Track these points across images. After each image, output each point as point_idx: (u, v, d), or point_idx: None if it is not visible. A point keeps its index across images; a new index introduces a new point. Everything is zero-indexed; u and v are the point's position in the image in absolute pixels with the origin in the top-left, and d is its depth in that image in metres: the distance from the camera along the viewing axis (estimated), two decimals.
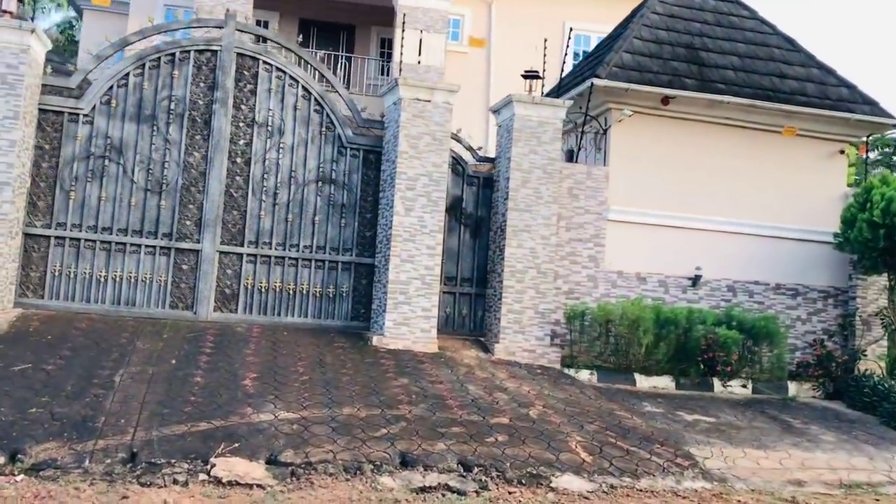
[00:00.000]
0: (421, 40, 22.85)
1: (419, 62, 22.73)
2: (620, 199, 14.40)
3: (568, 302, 13.92)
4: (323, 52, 23.84)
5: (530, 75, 14.05)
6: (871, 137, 15.94)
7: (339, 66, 23.30)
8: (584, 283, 14.30)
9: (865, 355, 14.63)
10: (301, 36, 26.09)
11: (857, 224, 13.65)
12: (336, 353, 12.10)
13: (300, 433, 8.98)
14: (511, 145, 13.66)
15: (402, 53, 17.92)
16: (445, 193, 13.72)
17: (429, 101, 13.27)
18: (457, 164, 14.21)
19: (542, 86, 14.65)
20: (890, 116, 15.34)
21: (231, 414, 9.30)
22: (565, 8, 24.81)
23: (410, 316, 12.95)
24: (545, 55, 14.29)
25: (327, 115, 13.72)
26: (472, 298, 14.16)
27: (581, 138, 14.64)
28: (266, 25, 25.70)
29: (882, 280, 14.68)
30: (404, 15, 22.41)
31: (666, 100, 14.36)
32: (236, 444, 8.52)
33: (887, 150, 27.43)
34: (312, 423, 9.29)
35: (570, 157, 15.69)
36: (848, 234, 13.95)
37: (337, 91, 13.93)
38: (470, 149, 14.44)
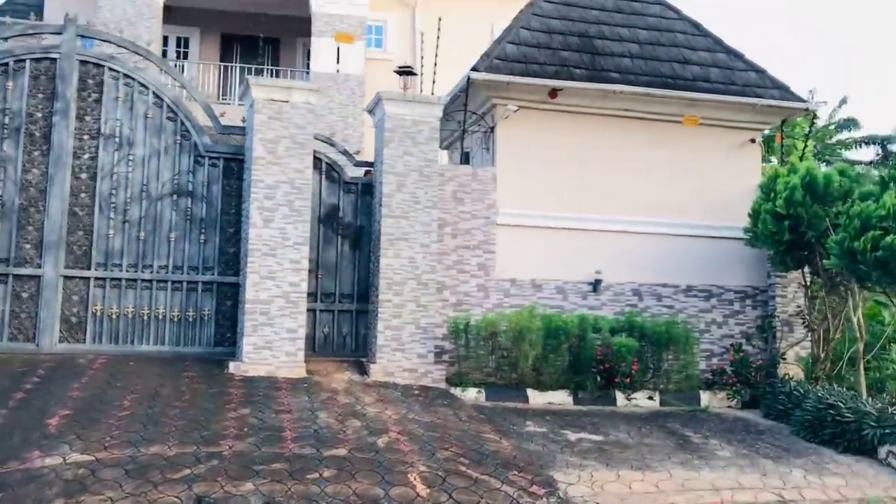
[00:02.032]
0: (339, 48, 21.93)
1: (338, 70, 21.79)
2: (511, 201, 13.28)
3: (456, 315, 12.75)
4: (248, 65, 22.84)
5: (404, 71, 12.98)
6: (784, 124, 14.85)
7: None
8: (473, 294, 13.14)
9: (785, 358, 13.50)
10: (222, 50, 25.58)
11: (760, 216, 12.56)
12: (181, 383, 10.88)
13: (84, 479, 7.76)
14: (384, 147, 12.56)
15: (305, 63, 16.80)
16: (317, 202, 12.69)
17: (286, 101, 12.15)
18: (332, 170, 13.09)
19: (430, 82, 13.58)
20: (800, 100, 14.29)
21: (12, 459, 8.08)
22: (492, 9, 23.83)
23: (273, 339, 11.76)
24: (422, 54, 13.24)
25: (182, 122, 12.59)
26: (353, 316, 12.98)
27: (464, 137, 13.54)
28: (186, 42, 24.77)
29: (801, 277, 13.56)
30: (322, 23, 21.60)
31: (554, 92, 13.28)
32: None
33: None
34: (106, 465, 8.07)
35: (467, 159, 14.60)
36: (756, 229, 12.86)
37: (194, 97, 12.83)
38: (346, 153, 13.35)
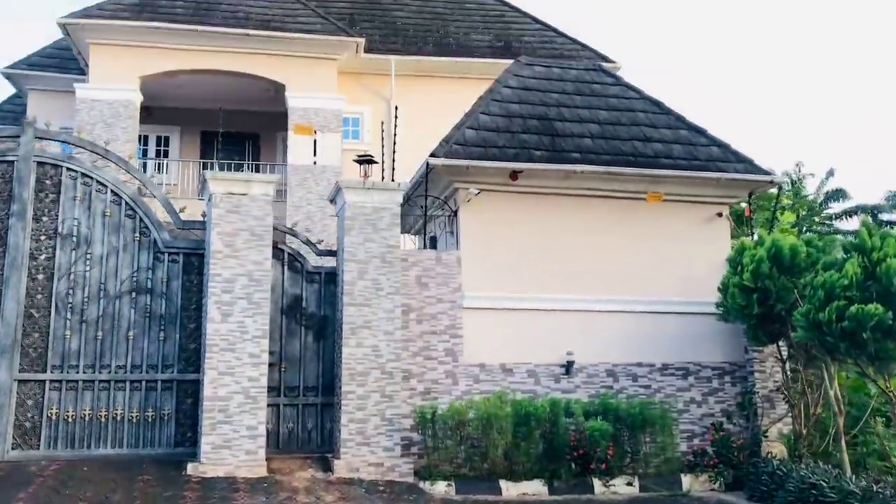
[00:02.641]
0: (315, 140, 22.11)
1: (314, 162, 21.92)
2: (477, 284, 13.08)
3: (423, 404, 12.38)
4: (228, 161, 23.03)
5: (364, 160, 12.98)
6: (752, 197, 14.76)
7: None
8: (441, 381, 12.80)
9: (766, 436, 13.06)
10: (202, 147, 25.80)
11: (729, 290, 12.33)
12: (134, 488, 10.46)
13: None
14: (345, 235, 12.44)
15: (284, 157, 16.85)
16: (280, 292, 12.53)
17: (245, 194, 12.11)
18: (294, 259, 12.94)
19: (388, 169, 13.55)
20: (765, 172, 14.25)
21: None
22: (467, 97, 24.14)
23: (232, 437, 11.40)
24: (382, 139, 13.28)
25: (141, 219, 12.52)
26: (318, 409, 12.61)
27: (426, 222, 13.45)
28: (167, 141, 25.04)
29: (777, 351, 13.23)
30: (298, 116, 21.84)
31: (515, 175, 13.25)
32: None
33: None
34: None
35: (434, 244, 14.46)
36: (727, 303, 12.62)
37: (153, 194, 12.79)
38: (308, 243, 13.23)
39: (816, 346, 10.83)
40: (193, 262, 12.59)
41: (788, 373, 12.92)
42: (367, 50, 22.87)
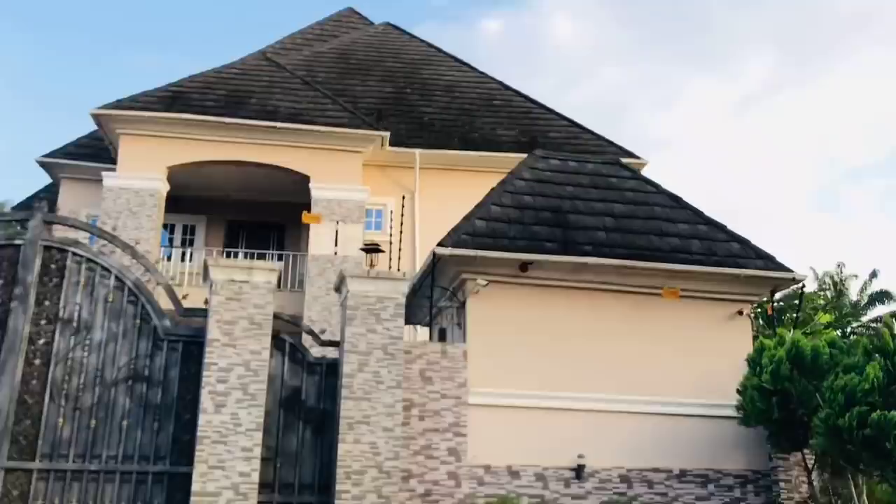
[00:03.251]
0: (337, 231, 22.10)
1: (335, 252, 21.85)
2: (483, 379, 12.60)
3: None
4: (252, 251, 23.15)
5: (370, 248, 12.79)
6: (776, 295, 14.20)
7: None
8: (443, 483, 12.18)
9: None
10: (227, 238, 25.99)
11: (748, 392, 11.68)
12: None
13: None
14: (346, 325, 12.13)
15: (305, 247, 16.77)
16: (280, 384, 12.17)
17: (246, 281, 11.93)
18: (295, 350, 12.61)
19: (396, 258, 13.33)
20: (786, 270, 13.73)
21: None
22: (487, 188, 24.16)
23: None
24: (391, 226, 13.08)
25: (142, 305, 12.37)
26: None
27: (433, 314, 13.11)
28: (193, 230, 25.26)
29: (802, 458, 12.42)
30: (321, 207, 21.90)
31: (524, 266, 12.93)
32: None
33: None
34: None
35: (443, 336, 14.07)
36: (747, 406, 11.94)
37: (156, 280, 12.68)
38: (311, 333, 12.95)
39: (835, 454, 10.08)
40: (193, 350, 12.33)
41: (815, 484, 12.07)
42: (393, 143, 23.08)
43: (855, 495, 10.79)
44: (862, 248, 51.70)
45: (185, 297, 13.39)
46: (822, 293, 27.14)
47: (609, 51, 67.15)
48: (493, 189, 14.62)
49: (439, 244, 12.81)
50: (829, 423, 9.64)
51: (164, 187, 21.16)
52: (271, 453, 12.03)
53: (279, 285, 12.78)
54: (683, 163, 53.47)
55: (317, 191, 21.72)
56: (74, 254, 12.41)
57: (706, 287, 13.55)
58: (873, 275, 27.56)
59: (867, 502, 10.77)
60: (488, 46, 67.37)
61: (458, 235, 12.94)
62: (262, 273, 12.03)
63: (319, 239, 21.73)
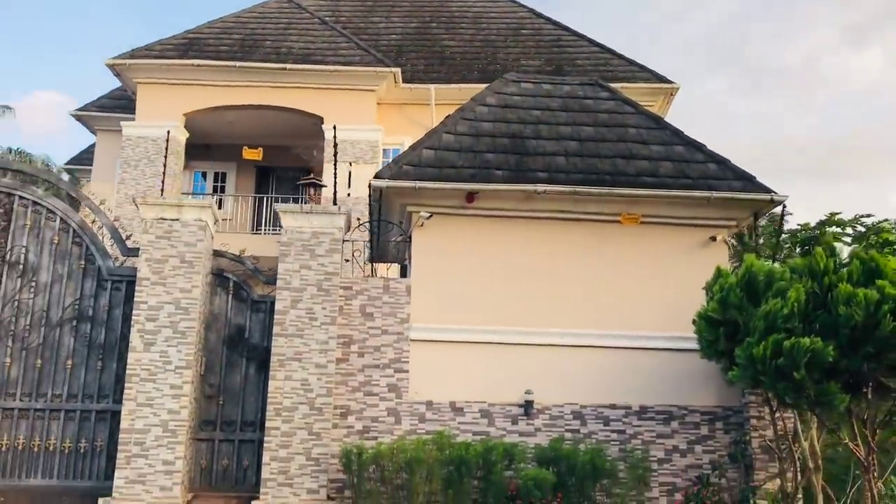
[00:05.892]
0: (350, 172, 21.83)
1: (349, 194, 21.61)
2: (427, 314, 12.10)
3: (353, 443, 11.44)
4: (281, 195, 23.27)
5: (308, 182, 12.41)
6: (759, 219, 12.99)
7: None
8: (383, 419, 11.84)
9: (756, 493, 11.21)
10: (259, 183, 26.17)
11: (699, 323, 10.73)
12: None
13: None
14: (280, 261, 11.86)
15: (306, 192, 16.61)
16: (224, 322, 12.11)
17: (177, 219, 11.79)
18: (240, 288, 12.48)
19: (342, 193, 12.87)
20: (765, 190, 12.47)
21: None
22: None
23: (147, 472, 10.94)
24: (335, 164, 12.66)
25: (87, 246, 12.45)
26: (256, 446, 11.94)
27: (374, 248, 12.64)
28: (224, 178, 25.56)
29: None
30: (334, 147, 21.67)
31: (471, 196, 12.24)
32: None
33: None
34: None
35: (404, 273, 13.63)
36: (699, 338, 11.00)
37: (99, 220, 12.72)
38: (256, 270, 12.73)
39: (754, 387, 9.12)
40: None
41: (777, 421, 11.05)
42: (409, 80, 22.47)
43: (800, 430, 9.79)
44: None
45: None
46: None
47: None
48: (448, 116, 13.87)
49: (376, 176, 12.28)
50: (748, 352, 8.69)
51: (183, 134, 21.34)
52: (214, 391, 12.02)
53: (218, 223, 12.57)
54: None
55: (329, 132, 21.44)
56: (21, 197, 12.57)
57: (673, 212, 12.50)
58: None
59: (814, 438, 9.74)
60: None
61: (399, 166, 12.35)
62: (192, 210, 11.86)
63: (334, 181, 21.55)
